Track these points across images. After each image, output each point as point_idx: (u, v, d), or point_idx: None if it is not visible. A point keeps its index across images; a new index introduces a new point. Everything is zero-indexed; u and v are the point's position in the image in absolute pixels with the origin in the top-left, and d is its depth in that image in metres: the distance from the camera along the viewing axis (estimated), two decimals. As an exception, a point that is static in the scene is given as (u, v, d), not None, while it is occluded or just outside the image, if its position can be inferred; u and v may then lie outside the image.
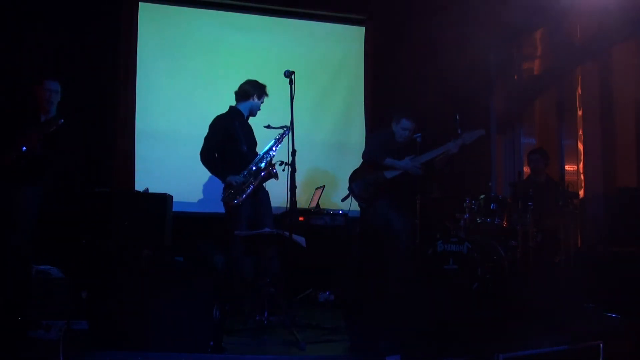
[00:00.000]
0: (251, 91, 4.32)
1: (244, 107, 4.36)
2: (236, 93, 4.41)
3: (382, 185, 4.61)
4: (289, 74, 3.77)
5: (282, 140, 4.23)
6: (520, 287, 4.11)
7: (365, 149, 4.84)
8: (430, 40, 5.87)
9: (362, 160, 4.84)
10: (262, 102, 4.37)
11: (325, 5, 6.17)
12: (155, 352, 2.81)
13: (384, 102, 6.07)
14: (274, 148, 4.25)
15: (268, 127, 4.11)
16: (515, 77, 6.47)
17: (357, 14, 6.27)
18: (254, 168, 4.20)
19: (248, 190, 4.14)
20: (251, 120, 4.49)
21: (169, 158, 5.61)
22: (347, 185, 4.86)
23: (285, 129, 4.12)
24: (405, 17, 6.11)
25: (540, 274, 4.47)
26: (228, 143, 4.26)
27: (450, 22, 5.64)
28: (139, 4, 5.65)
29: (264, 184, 4.30)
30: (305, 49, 6.05)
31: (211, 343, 2.95)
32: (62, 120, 3.60)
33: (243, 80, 5.72)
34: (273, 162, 4.22)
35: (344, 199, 4.84)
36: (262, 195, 4.29)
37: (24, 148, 3.55)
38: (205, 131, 5.80)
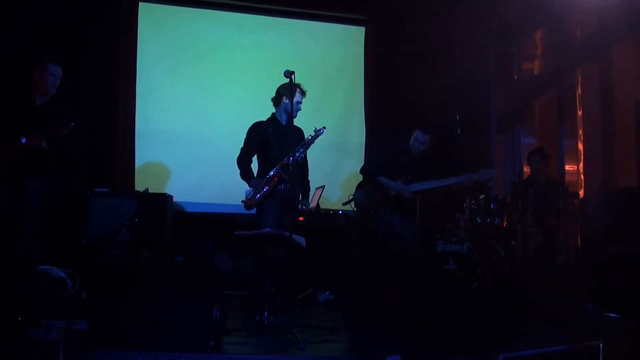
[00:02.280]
0: (281, 92, 4.28)
1: (279, 112, 4.33)
2: (272, 99, 4.39)
3: (389, 196, 4.63)
4: (289, 74, 3.76)
5: (310, 144, 4.23)
6: (520, 287, 4.11)
7: (365, 162, 4.84)
8: (430, 40, 5.86)
9: (362, 170, 4.87)
10: (299, 102, 4.25)
11: (325, 5, 6.17)
12: (155, 352, 2.81)
13: (384, 102, 6.08)
14: (300, 151, 4.21)
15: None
16: (515, 77, 6.47)
17: (357, 14, 6.27)
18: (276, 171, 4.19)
19: (262, 191, 4.13)
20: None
21: (169, 158, 5.62)
22: (347, 185, 4.87)
23: (320, 129, 4.17)
24: (405, 17, 6.11)
25: (540, 274, 4.47)
26: (260, 148, 4.30)
27: (451, 22, 5.64)
28: (139, 4, 5.65)
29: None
30: (305, 49, 6.05)
31: (211, 343, 2.95)
32: (73, 124, 3.59)
33: (243, 80, 5.77)
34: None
35: (345, 203, 4.85)
36: (287, 196, 4.19)
37: (23, 140, 3.54)
38: (204, 131, 5.82)
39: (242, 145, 4.31)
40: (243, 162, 4.30)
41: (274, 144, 4.22)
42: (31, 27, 5.14)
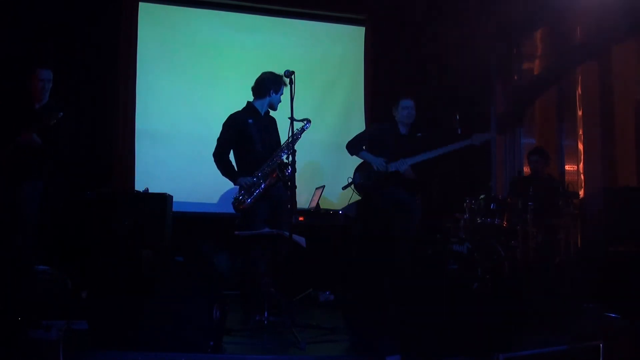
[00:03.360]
0: (269, 86, 4.12)
1: (260, 104, 4.16)
2: (252, 88, 4.20)
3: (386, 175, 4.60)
4: (289, 74, 3.75)
5: (297, 139, 4.04)
6: (520, 287, 4.10)
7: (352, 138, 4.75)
8: (430, 40, 5.87)
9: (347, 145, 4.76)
10: (282, 94, 4.13)
11: (325, 5, 6.17)
12: (155, 352, 2.81)
13: (384, 102, 6.07)
14: (290, 148, 3.98)
15: (291, 119, 3.88)
16: (515, 77, 6.47)
17: (357, 14, 6.27)
18: (268, 169, 4.03)
19: (255, 193, 3.99)
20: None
21: (169, 158, 5.62)
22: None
23: (305, 122, 4.03)
24: (405, 17, 6.11)
25: (540, 274, 4.47)
26: (241, 142, 4.09)
27: (451, 22, 5.64)
28: (139, 4, 5.66)
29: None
30: (305, 49, 6.06)
31: (211, 343, 2.95)
32: (62, 114, 3.58)
33: (243, 80, 5.73)
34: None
35: (344, 187, 4.82)
36: (280, 194, 4.08)
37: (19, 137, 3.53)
38: (204, 131, 5.79)
39: (218, 139, 4.13)
40: (222, 156, 4.09)
41: (257, 138, 4.05)
42: (31, 27, 5.14)
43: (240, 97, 5.64)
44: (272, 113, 4.29)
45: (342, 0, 6.20)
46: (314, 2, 6.13)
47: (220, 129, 5.27)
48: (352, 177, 4.74)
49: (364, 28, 6.28)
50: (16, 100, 3.78)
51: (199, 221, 5.49)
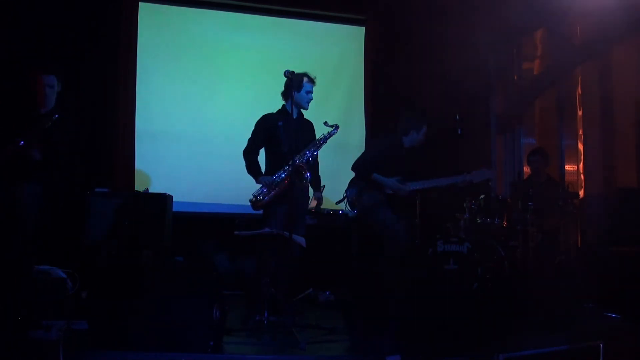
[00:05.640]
0: (289, 85, 4.13)
1: (289, 105, 4.18)
2: (281, 93, 4.28)
3: (382, 193, 4.60)
4: (289, 74, 3.76)
5: (322, 144, 4.19)
6: (520, 287, 4.11)
7: (357, 160, 4.71)
8: (430, 40, 5.87)
9: (353, 167, 4.73)
10: (309, 92, 4.18)
11: (325, 5, 6.17)
12: (155, 352, 2.82)
13: (384, 102, 6.08)
14: (311, 151, 4.18)
15: (325, 123, 4.13)
16: (515, 77, 6.47)
17: (357, 14, 6.27)
18: (286, 172, 4.08)
19: (271, 194, 4.06)
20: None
21: (169, 158, 5.61)
22: (346, 186, 4.86)
23: (333, 128, 4.16)
24: (405, 17, 6.11)
25: (540, 274, 4.47)
26: (269, 143, 4.21)
27: (451, 22, 5.64)
28: (139, 4, 5.65)
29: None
30: (305, 49, 6.05)
31: (211, 343, 2.95)
32: (57, 116, 3.58)
33: (243, 80, 5.76)
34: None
35: (338, 202, 4.85)
36: (299, 196, 4.14)
37: (22, 142, 3.53)
38: (204, 131, 5.79)
39: (249, 139, 4.24)
40: (249, 155, 4.21)
41: (284, 140, 4.12)
42: (31, 27, 5.14)
43: (240, 97, 5.69)
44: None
45: (342, 0, 6.19)
46: (314, 2, 6.13)
47: (219, 129, 5.29)
48: (345, 192, 4.74)
49: (364, 28, 6.28)
50: (19, 102, 3.77)
51: (199, 221, 5.49)
